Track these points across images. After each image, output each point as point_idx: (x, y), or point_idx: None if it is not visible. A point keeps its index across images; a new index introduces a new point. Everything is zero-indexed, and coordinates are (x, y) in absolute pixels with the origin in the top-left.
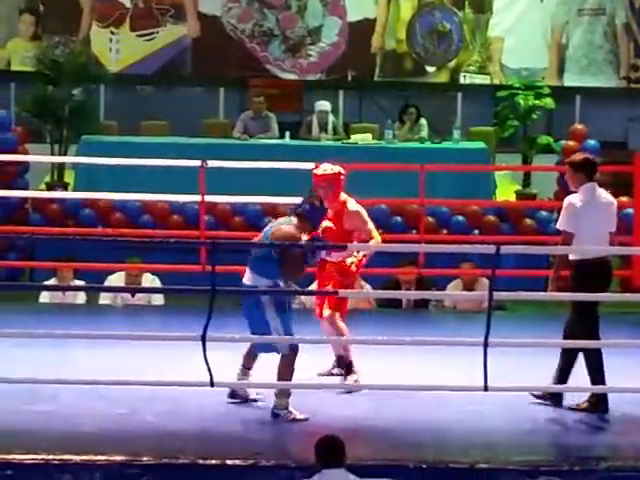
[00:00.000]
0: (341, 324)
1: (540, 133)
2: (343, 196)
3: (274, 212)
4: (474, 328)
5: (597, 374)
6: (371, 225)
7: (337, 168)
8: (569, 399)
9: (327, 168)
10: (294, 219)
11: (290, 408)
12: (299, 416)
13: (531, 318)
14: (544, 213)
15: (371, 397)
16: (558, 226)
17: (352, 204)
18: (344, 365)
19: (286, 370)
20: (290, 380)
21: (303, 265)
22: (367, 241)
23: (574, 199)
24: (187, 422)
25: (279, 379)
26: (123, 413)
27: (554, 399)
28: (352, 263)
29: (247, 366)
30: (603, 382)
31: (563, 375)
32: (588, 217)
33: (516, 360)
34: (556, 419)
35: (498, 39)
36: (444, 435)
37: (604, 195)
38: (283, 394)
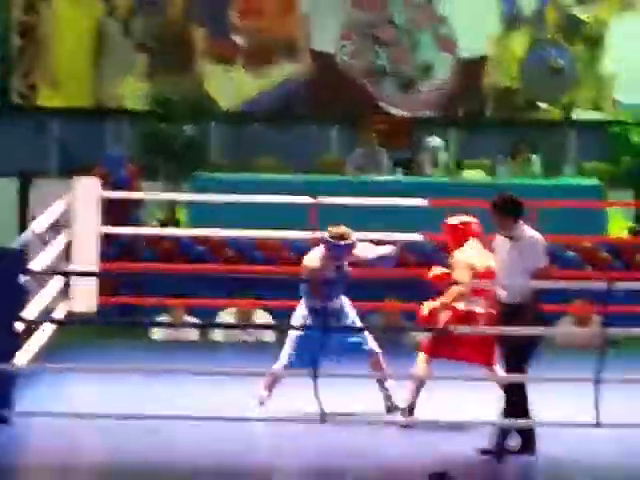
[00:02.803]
0: (421, 366)
1: None
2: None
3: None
4: (586, 364)
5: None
6: (462, 273)
7: (459, 219)
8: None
9: (453, 219)
10: (322, 248)
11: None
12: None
13: None
14: None
15: (478, 431)
16: None
17: (459, 253)
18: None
19: None
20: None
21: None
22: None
23: None
24: (297, 459)
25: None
26: (238, 450)
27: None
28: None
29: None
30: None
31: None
32: None
33: (629, 397)
34: None
35: (611, 75)
36: (556, 471)
37: None
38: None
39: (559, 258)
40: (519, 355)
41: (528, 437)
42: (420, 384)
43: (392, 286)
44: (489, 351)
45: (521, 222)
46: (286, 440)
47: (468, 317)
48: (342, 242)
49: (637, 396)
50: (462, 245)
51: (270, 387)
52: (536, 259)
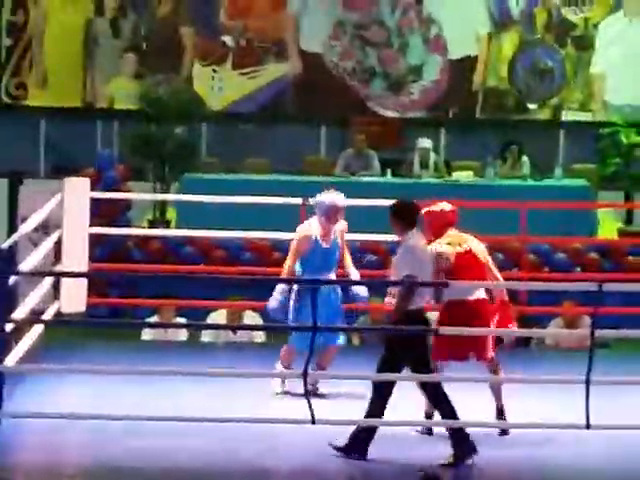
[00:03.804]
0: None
1: None
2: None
3: (375, 249)
4: (576, 366)
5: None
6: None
7: (437, 207)
8: None
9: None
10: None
11: None
12: None
13: (634, 356)
14: None
15: (472, 434)
16: None
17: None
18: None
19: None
20: None
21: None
22: None
23: None
24: (286, 460)
25: None
26: (223, 450)
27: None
28: None
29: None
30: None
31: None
32: None
33: (619, 398)
34: None
35: (600, 76)
36: (547, 474)
37: None
38: None
39: (549, 259)
40: (398, 359)
41: (361, 439)
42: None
43: (379, 287)
44: (482, 343)
45: (414, 231)
46: (275, 440)
47: (460, 308)
48: (334, 203)
49: (627, 397)
50: (442, 233)
51: (288, 363)
52: (399, 268)
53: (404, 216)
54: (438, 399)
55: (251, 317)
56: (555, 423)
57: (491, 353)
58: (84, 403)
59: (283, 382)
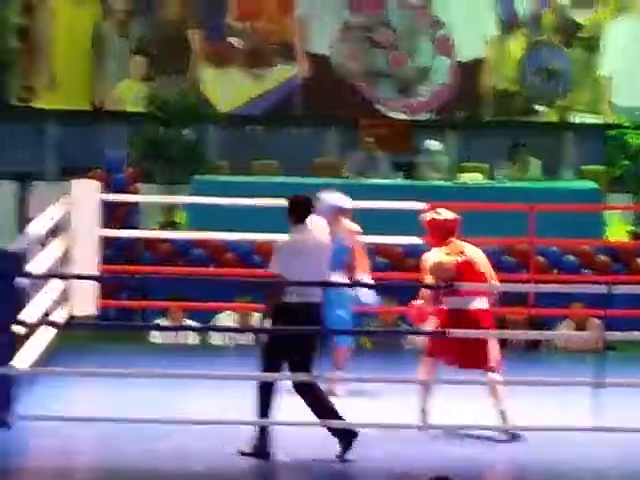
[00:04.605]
0: (424, 369)
1: None
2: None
3: (385, 252)
4: (585, 368)
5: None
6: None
7: (440, 215)
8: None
9: (433, 214)
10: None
11: None
12: None
13: None
14: None
15: (482, 437)
16: None
17: (429, 256)
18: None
19: None
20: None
21: None
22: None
23: None
24: (299, 460)
25: None
26: (233, 453)
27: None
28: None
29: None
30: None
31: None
32: None
33: (626, 400)
34: None
35: (608, 78)
36: (555, 476)
37: None
38: None
39: (557, 262)
40: (277, 356)
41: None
42: (427, 388)
43: (391, 290)
44: (483, 353)
45: (303, 226)
46: (281, 443)
47: (460, 317)
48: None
49: (635, 400)
50: (444, 242)
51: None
52: (271, 261)
53: (293, 210)
54: (313, 400)
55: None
56: (563, 425)
57: (492, 363)
58: (95, 406)
59: None
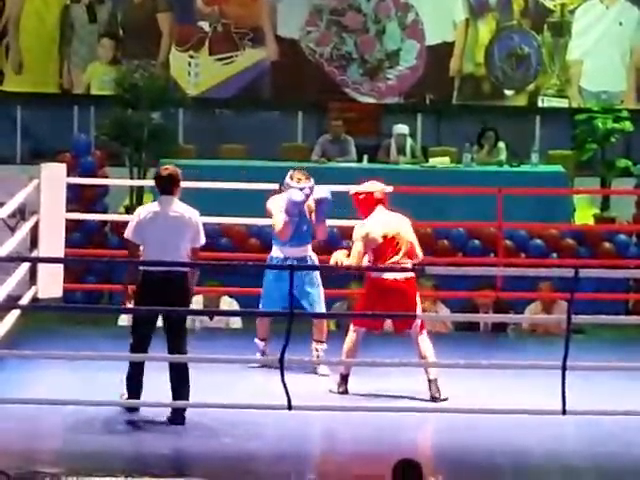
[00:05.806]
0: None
1: (619, 156)
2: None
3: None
4: (553, 351)
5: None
6: (356, 247)
7: (362, 188)
8: None
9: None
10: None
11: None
12: None
13: (610, 341)
14: (623, 237)
15: (447, 420)
16: None
17: (357, 228)
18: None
19: None
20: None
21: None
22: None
23: None
24: (264, 444)
25: None
26: (200, 435)
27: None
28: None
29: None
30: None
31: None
32: None
33: (594, 383)
34: (632, 443)
35: (577, 62)
36: (523, 459)
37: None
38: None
39: (525, 245)
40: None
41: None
42: (351, 356)
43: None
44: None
45: (162, 198)
46: (251, 427)
47: (385, 286)
48: (305, 185)
49: (602, 383)
50: (371, 212)
51: (264, 335)
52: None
53: (155, 183)
54: (184, 379)
55: (228, 303)
56: (531, 408)
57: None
58: (61, 389)
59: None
